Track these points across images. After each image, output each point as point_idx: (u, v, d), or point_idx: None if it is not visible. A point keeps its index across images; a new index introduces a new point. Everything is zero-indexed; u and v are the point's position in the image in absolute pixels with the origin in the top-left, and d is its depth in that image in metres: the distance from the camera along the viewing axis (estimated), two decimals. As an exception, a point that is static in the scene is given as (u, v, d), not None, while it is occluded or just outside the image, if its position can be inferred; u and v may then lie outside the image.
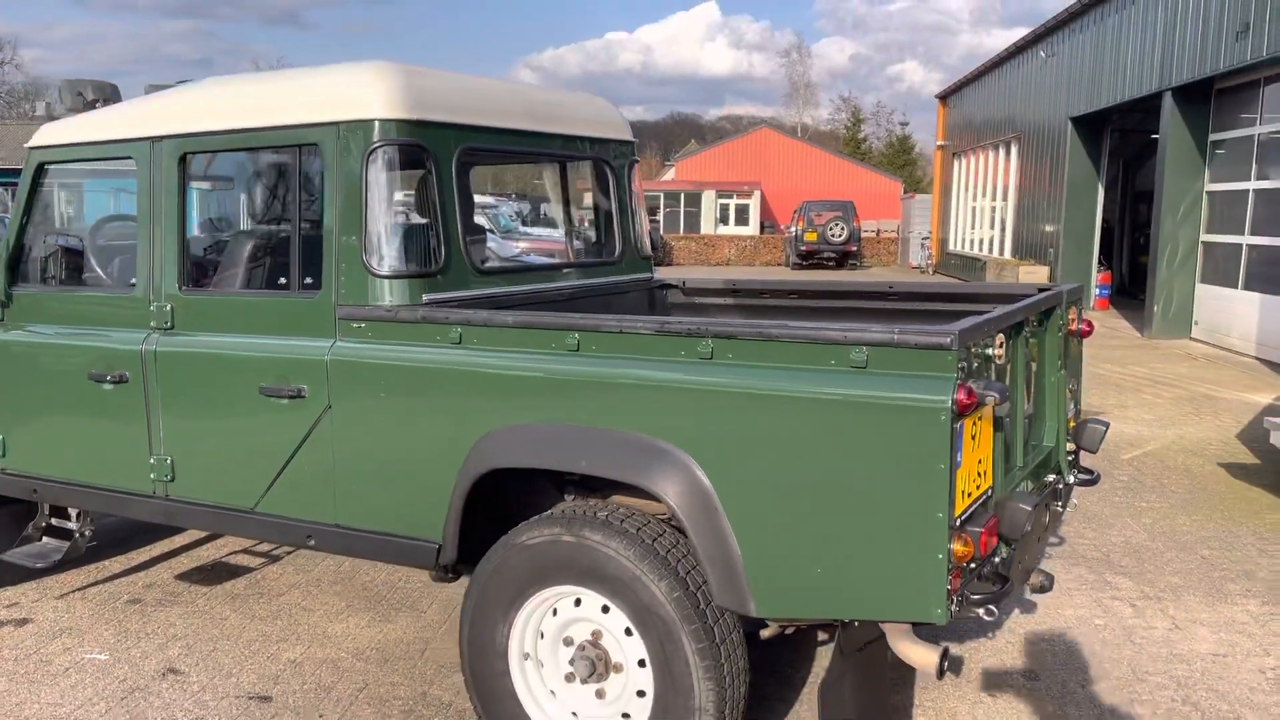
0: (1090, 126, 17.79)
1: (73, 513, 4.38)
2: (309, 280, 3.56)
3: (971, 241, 25.35)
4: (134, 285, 3.90)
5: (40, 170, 4.14)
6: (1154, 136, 19.30)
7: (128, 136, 3.86)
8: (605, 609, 2.98)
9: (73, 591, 4.81)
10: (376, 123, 3.34)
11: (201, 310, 3.72)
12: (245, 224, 4.13)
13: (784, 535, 2.67)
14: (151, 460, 3.84)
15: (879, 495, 2.52)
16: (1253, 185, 12.69)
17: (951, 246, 26.88)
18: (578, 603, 3.03)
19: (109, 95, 4.29)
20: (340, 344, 3.37)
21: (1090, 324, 3.79)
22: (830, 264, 30.42)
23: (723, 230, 46.40)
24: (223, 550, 5.39)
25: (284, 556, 5.30)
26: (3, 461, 4.30)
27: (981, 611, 2.65)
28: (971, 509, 2.63)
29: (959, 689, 3.82)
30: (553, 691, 3.13)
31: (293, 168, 3.60)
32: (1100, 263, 18.12)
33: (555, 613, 3.08)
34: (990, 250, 23.26)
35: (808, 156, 54.05)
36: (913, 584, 2.52)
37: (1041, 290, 3.81)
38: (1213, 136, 13.75)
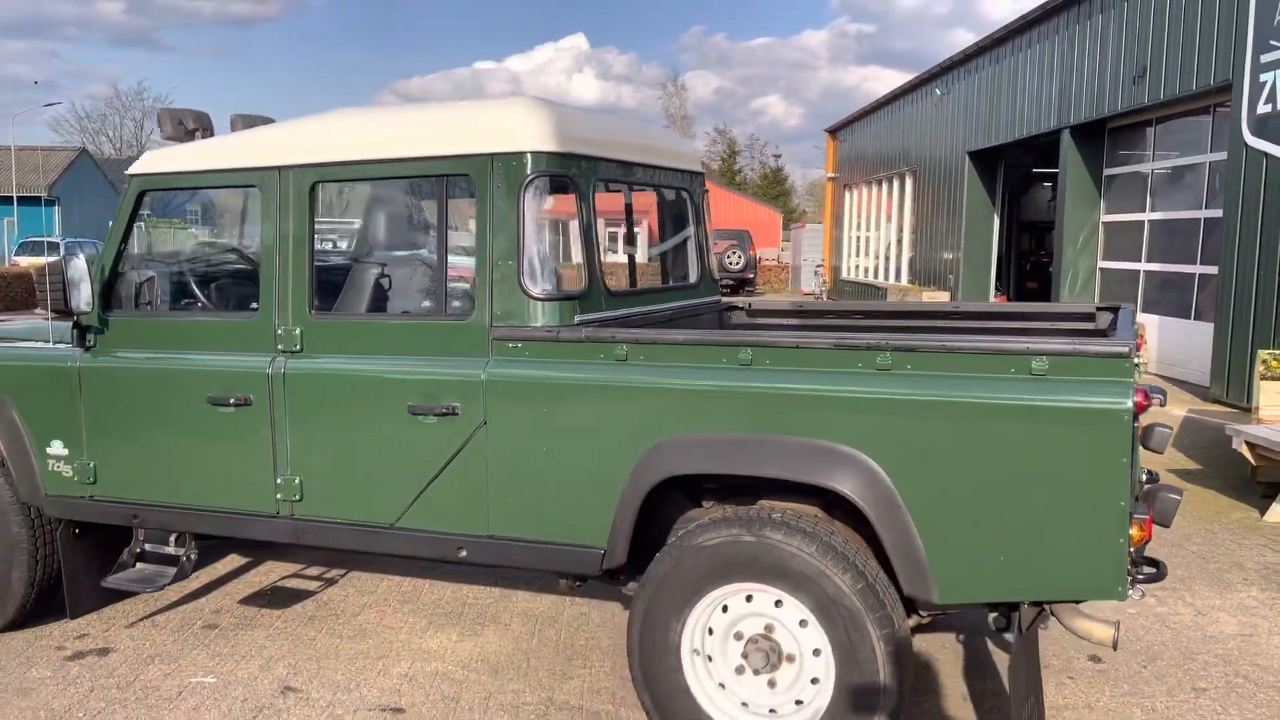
0: (985, 161, 18.86)
1: (171, 538, 4.39)
2: (456, 304, 3.73)
3: (864, 269, 26.38)
4: (255, 309, 3.99)
5: (141, 197, 4.18)
6: (1035, 170, 20.63)
7: (252, 166, 3.95)
8: (779, 603, 3.24)
9: (140, 620, 4.78)
10: (530, 155, 3.54)
11: (334, 333, 3.84)
12: (377, 250, 4.24)
13: (965, 528, 2.98)
14: (278, 480, 3.92)
15: (1064, 488, 2.86)
16: (1147, 216, 13.73)
17: (844, 274, 27.90)
18: (749, 599, 3.28)
19: (206, 125, 4.36)
20: (496, 363, 3.55)
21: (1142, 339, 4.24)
22: (727, 291, 31.16)
23: (611, 258, 46.70)
24: (272, 575, 5.41)
25: (338, 580, 5.36)
26: (93, 488, 4.29)
27: (1136, 593, 3.00)
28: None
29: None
30: (722, 684, 3.36)
31: (437, 197, 3.76)
32: (996, 287, 19.18)
33: (725, 609, 3.32)
34: (886, 277, 24.27)
35: (690, 187, 55.06)
36: (1097, 566, 2.86)
37: (1101, 309, 4.26)
38: (1107, 171, 14.81)
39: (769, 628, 3.28)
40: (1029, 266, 21.86)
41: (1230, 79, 10.95)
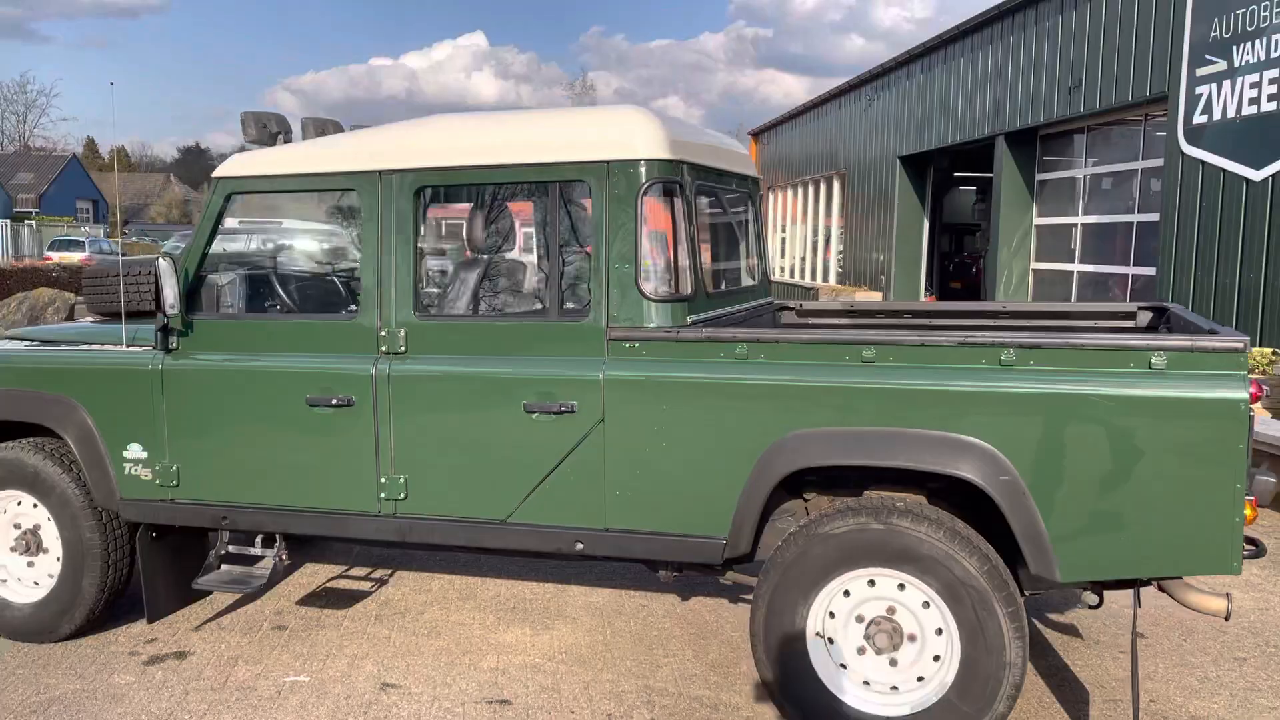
0: (915, 165, 19.47)
1: (257, 539, 4.39)
2: (570, 305, 3.84)
3: (789, 269, 26.90)
4: (354, 312, 4.04)
5: (227, 200, 4.19)
6: (957, 175, 21.37)
7: (351, 170, 4.01)
8: (901, 587, 3.44)
9: (205, 623, 4.77)
10: (647, 162, 3.69)
11: (440, 335, 3.92)
12: (481, 253, 4.30)
13: (1087, 511, 3.23)
14: (381, 480, 3.98)
15: (1184, 473, 3.13)
16: (1079, 220, 14.39)
17: (772, 275, 28.36)
18: (871, 583, 3.48)
19: (288, 129, 4.38)
20: (614, 363, 3.68)
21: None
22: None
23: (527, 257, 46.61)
24: (318, 577, 5.42)
25: (387, 579, 5.40)
26: (175, 491, 4.28)
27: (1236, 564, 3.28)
28: None
29: (1094, 650, 4.48)
30: (843, 665, 3.55)
31: (550, 202, 3.87)
32: (926, 288, 19.81)
33: (848, 594, 3.51)
34: (814, 278, 24.81)
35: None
36: (1214, 544, 3.14)
37: (1143, 308, 4.58)
38: (1039, 176, 15.46)
39: (891, 610, 3.48)
40: (951, 267, 22.59)
41: (1166, 91, 11.57)
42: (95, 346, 4.46)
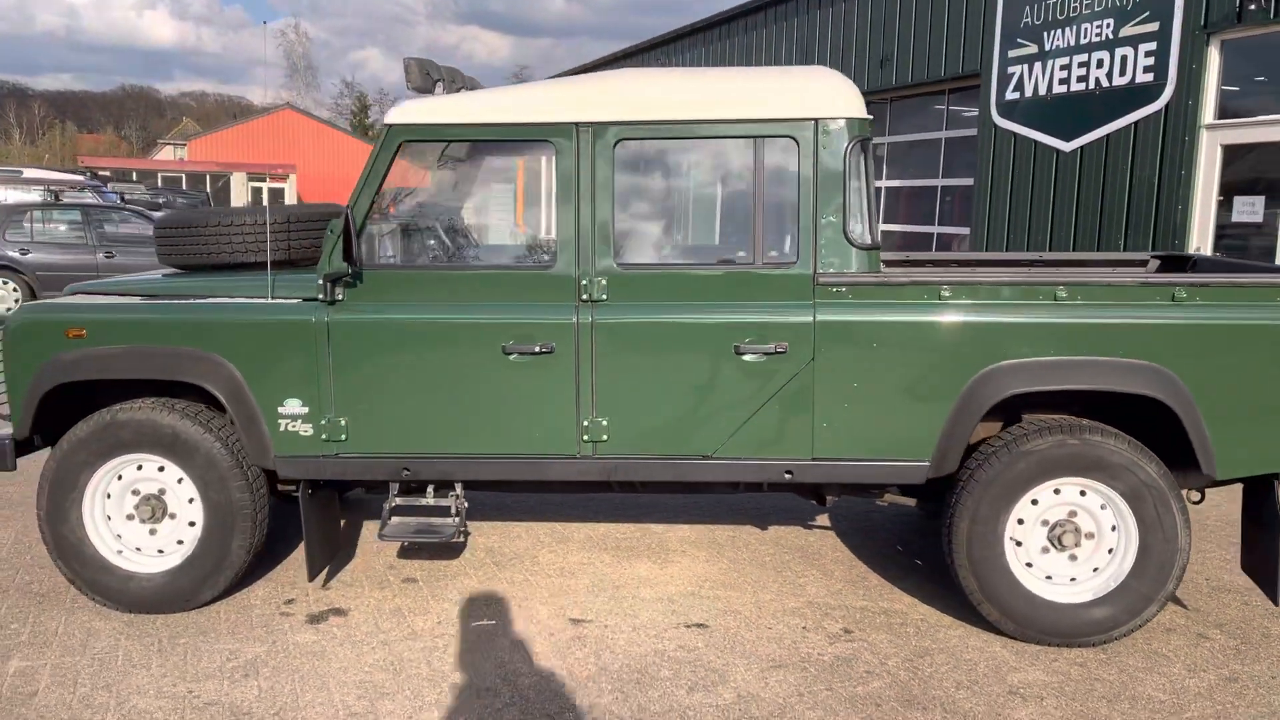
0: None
1: (430, 489, 4.37)
2: (773, 253, 4.13)
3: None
4: (548, 261, 4.13)
5: (399, 149, 4.13)
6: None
7: (544, 121, 4.07)
8: (1083, 493, 4.04)
9: (328, 583, 4.67)
10: (850, 120, 4.04)
11: (642, 283, 4.09)
12: (680, 204, 4.40)
13: (1243, 420, 3.94)
14: (584, 423, 4.12)
15: (1322, 385, 3.90)
16: (883, 184, 15.75)
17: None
18: (1056, 491, 4.06)
19: (446, 76, 4.33)
20: (824, 307, 4.02)
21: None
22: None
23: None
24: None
25: (467, 531, 5.44)
26: (341, 445, 4.20)
27: None
28: None
29: (1176, 634, 5.28)
30: (1029, 564, 4.11)
31: (754, 155, 4.09)
32: (719, 247, 20.88)
33: (1035, 502, 4.07)
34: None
35: (338, 141, 53.20)
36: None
37: (1155, 256, 5.41)
38: (841, 142, 16.71)
39: (1072, 513, 4.07)
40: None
41: (979, 69, 12.93)
42: (237, 300, 4.26)
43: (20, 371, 4.25)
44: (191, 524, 4.29)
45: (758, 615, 4.36)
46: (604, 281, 4.08)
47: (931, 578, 4.80)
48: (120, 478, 4.29)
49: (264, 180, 46.61)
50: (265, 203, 46.39)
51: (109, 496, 4.30)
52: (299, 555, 4.98)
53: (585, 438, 4.14)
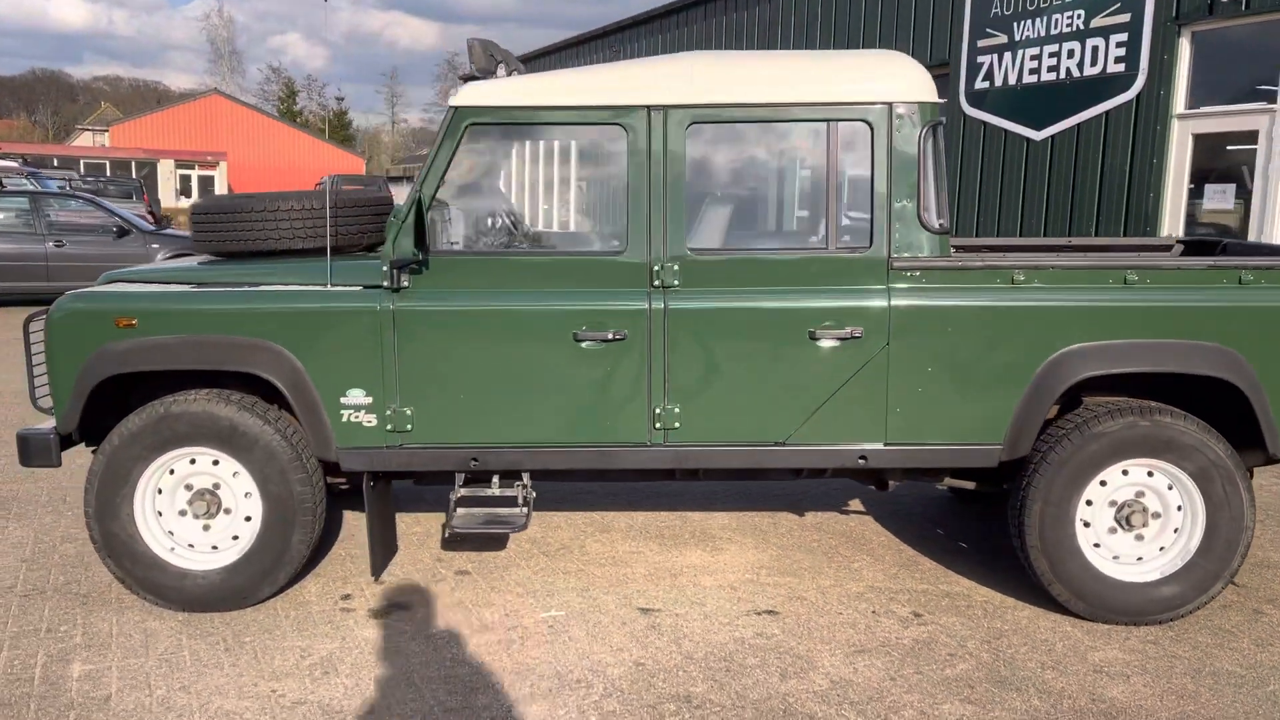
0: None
1: (495, 479, 4.28)
2: (846, 238, 4.11)
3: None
4: (619, 246, 4.07)
5: (465, 131, 4.03)
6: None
7: (617, 104, 4.01)
8: (1150, 473, 4.10)
9: (381, 579, 4.57)
10: (924, 105, 4.04)
11: (716, 269, 4.05)
12: (752, 190, 4.34)
13: (1303, 399, 4.04)
14: (656, 411, 4.07)
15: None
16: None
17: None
18: (1125, 473, 4.11)
19: (506, 58, 4.24)
20: (899, 292, 4.02)
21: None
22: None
23: (185, 203, 43.62)
24: (416, 527, 5.29)
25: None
26: (406, 436, 4.10)
27: None
28: None
29: (1233, 610, 5.35)
30: (1096, 544, 4.16)
31: (826, 139, 4.06)
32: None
33: (1104, 484, 4.12)
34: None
35: (269, 129, 52.12)
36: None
37: (1180, 241, 5.51)
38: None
39: (1139, 493, 4.13)
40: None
41: (948, 59, 13.08)
42: (293, 287, 4.12)
43: (65, 363, 4.07)
44: (248, 519, 4.15)
45: (823, 601, 4.35)
46: (676, 267, 4.03)
47: (981, 560, 4.85)
48: (172, 472, 4.14)
49: (193, 168, 45.56)
50: (196, 192, 45.41)
51: (160, 492, 4.14)
52: (343, 550, 4.87)
53: (657, 425, 4.09)
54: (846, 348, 4.03)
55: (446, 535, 4.11)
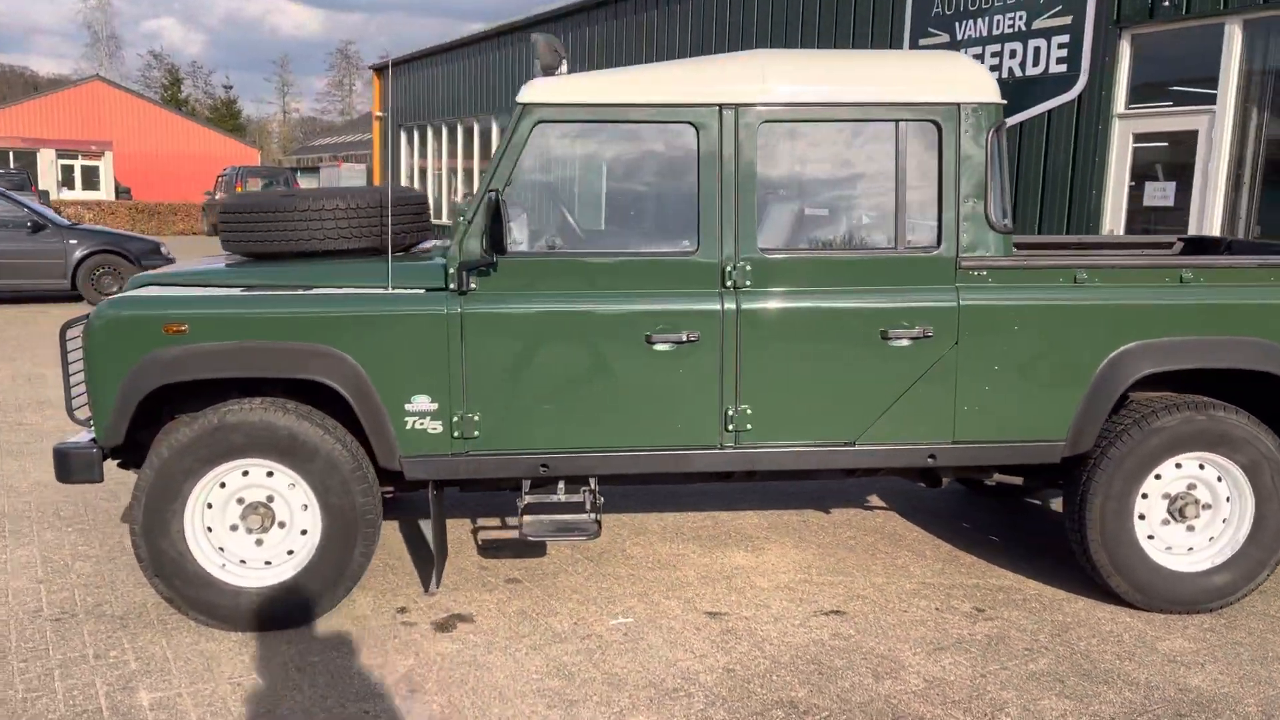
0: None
1: (560, 485, 4.17)
2: (914, 238, 4.12)
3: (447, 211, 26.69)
4: (689, 247, 4.01)
5: (535, 129, 3.92)
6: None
7: (690, 102, 3.95)
8: (1202, 466, 4.23)
9: (431, 592, 4.43)
10: (989, 106, 4.08)
11: (786, 269, 4.03)
12: (820, 189, 4.28)
13: (1342, 392, 4.21)
14: (728, 413, 4.03)
15: None
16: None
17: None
18: (1178, 465, 4.23)
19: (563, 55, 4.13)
20: (967, 291, 4.06)
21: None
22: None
23: (68, 195, 41.81)
24: (453, 533, 5.15)
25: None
26: (472, 443, 3.98)
27: None
28: None
29: (1268, 596, 5.51)
30: (1150, 536, 4.27)
31: (897, 139, 4.06)
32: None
33: (1158, 476, 4.23)
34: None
35: (154, 117, 50.15)
36: None
37: (1181, 239, 5.70)
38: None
39: (1191, 485, 4.25)
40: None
41: (888, 56, 13.29)
42: (352, 290, 3.96)
43: (108, 372, 3.83)
44: (303, 532, 3.98)
45: (883, 599, 4.37)
46: (748, 268, 3.99)
47: (1019, 553, 4.94)
48: (223, 485, 3.93)
49: (76, 158, 43.71)
50: (79, 183, 43.43)
51: (210, 506, 3.94)
52: (380, 560, 4.70)
53: (729, 428, 4.05)
54: (917, 347, 4.05)
55: (520, 536, 3.99)
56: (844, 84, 4.04)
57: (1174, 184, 10.58)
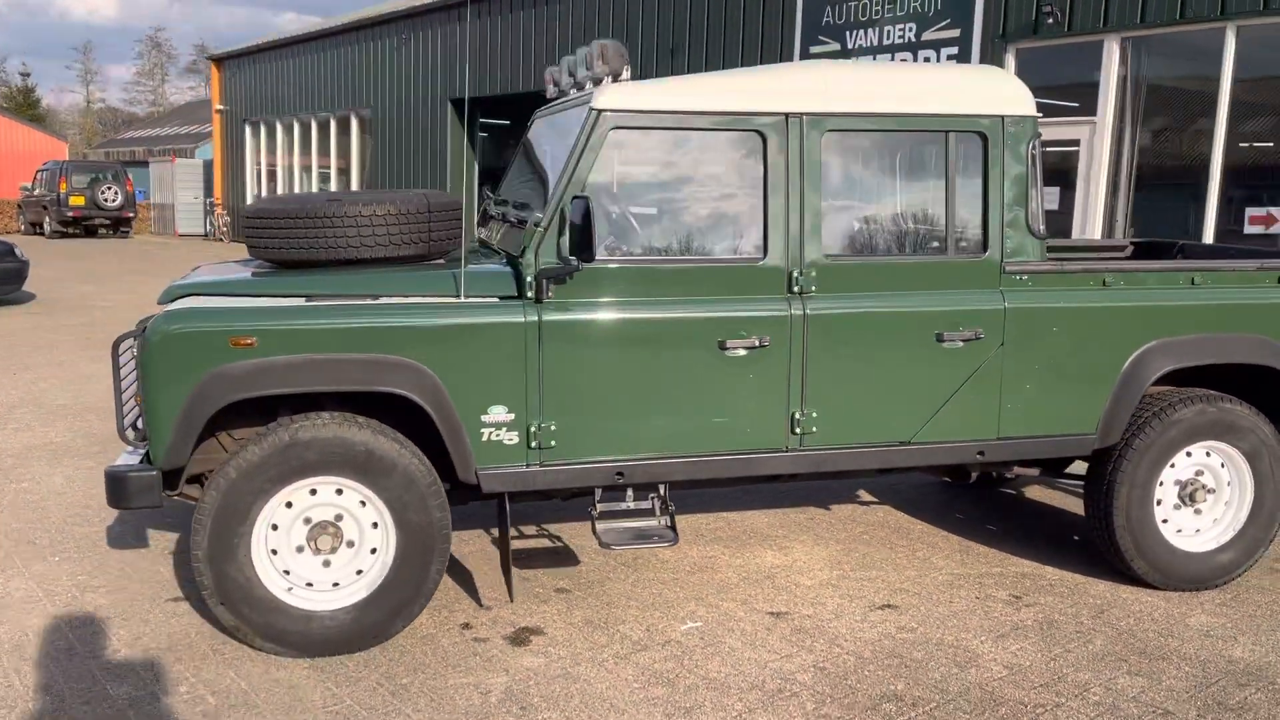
0: (461, 108, 19.99)
1: (629, 493, 4.14)
2: (963, 243, 4.30)
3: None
4: (757, 253, 4.07)
5: (608, 134, 3.91)
6: (484, 120, 22.30)
7: (757, 110, 4.01)
8: (1208, 454, 4.58)
9: (486, 606, 4.34)
10: (1030, 118, 4.31)
11: (847, 274, 4.14)
12: (875, 196, 4.33)
13: (1330, 383, 4.64)
14: (796, 415, 4.12)
15: None
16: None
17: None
18: (1189, 454, 4.57)
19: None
20: (1011, 294, 4.28)
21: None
22: (105, 230, 27.90)
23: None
24: (471, 545, 5.06)
25: (557, 534, 5.21)
26: (545, 454, 3.93)
27: None
28: None
29: (1266, 569, 5.90)
30: (1164, 520, 4.59)
31: (946, 149, 4.21)
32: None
33: (1173, 465, 4.56)
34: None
35: (-2, 125, 46.27)
36: None
37: (1134, 243, 6.13)
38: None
39: (1199, 472, 4.60)
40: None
41: (779, 62, 13.66)
42: (424, 299, 3.84)
43: (170, 389, 3.60)
44: (373, 551, 3.84)
45: (925, 591, 4.55)
46: (813, 273, 4.09)
47: (1020, 539, 5.21)
48: (290, 505, 3.75)
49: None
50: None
51: (275, 527, 3.75)
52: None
53: (796, 430, 4.13)
54: (969, 348, 4.23)
55: (600, 546, 3.97)
56: (901, 96, 4.17)
57: (1058, 189, 11.27)
